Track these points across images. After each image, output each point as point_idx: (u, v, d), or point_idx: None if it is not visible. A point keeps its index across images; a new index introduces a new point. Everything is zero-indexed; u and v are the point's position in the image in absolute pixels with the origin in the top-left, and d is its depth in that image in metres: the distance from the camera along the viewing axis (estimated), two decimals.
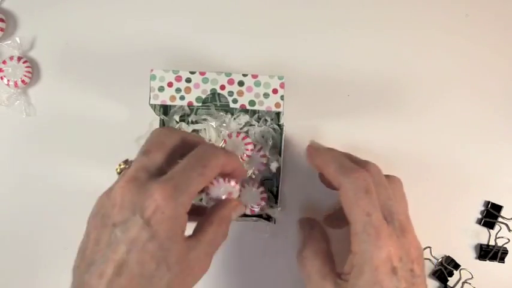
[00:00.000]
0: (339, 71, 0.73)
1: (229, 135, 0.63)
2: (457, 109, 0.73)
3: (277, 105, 0.59)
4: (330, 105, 0.72)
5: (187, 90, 0.58)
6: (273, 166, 0.66)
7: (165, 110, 0.66)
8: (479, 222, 0.72)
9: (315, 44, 0.73)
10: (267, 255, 0.70)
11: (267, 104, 0.59)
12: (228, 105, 0.59)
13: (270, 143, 0.65)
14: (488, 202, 0.72)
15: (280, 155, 0.65)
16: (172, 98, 0.58)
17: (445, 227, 0.72)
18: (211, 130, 0.65)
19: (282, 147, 0.65)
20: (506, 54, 0.74)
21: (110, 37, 0.73)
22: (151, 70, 0.59)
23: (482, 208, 0.72)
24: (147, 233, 0.45)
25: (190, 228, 0.50)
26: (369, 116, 0.72)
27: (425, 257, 0.70)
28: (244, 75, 0.59)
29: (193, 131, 0.65)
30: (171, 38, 0.73)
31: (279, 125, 0.65)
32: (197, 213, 0.54)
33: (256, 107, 0.58)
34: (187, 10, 0.73)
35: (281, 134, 0.65)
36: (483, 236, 0.72)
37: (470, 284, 0.70)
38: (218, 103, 0.59)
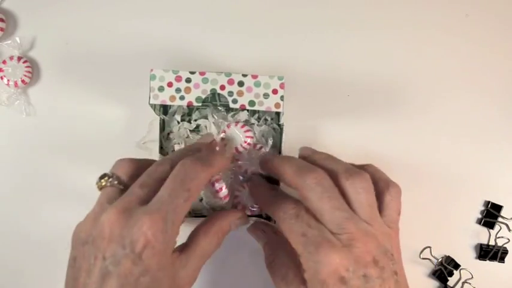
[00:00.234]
0: (339, 72, 0.73)
1: (228, 126, 0.63)
2: (457, 109, 0.73)
3: (277, 105, 0.59)
4: (330, 106, 0.72)
5: (187, 90, 0.58)
6: None
7: (165, 109, 0.66)
8: (479, 222, 0.72)
9: (315, 44, 0.74)
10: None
11: (267, 104, 0.59)
12: (227, 105, 0.59)
13: (270, 142, 0.65)
14: (488, 202, 0.72)
15: (280, 154, 0.65)
16: (172, 98, 0.58)
17: (445, 227, 0.72)
18: (212, 126, 0.65)
19: (282, 147, 0.65)
20: (506, 54, 0.75)
21: (110, 37, 0.73)
22: (151, 70, 0.59)
23: (482, 208, 0.72)
24: (139, 268, 0.45)
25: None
26: (368, 116, 0.72)
27: (425, 257, 0.70)
28: (244, 75, 0.59)
29: (196, 127, 0.66)
30: (171, 38, 0.73)
31: (279, 125, 0.65)
32: None
33: (256, 107, 0.59)
34: (187, 10, 0.73)
35: (281, 134, 0.65)
36: (483, 236, 0.72)
37: (470, 284, 0.70)
38: (218, 103, 0.60)
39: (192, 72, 0.59)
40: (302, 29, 0.74)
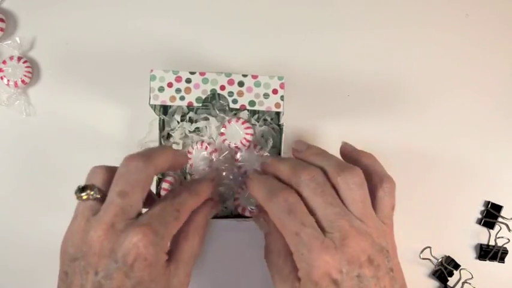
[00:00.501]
0: (339, 71, 0.73)
1: (229, 121, 0.64)
2: (457, 109, 0.73)
3: (277, 105, 0.59)
4: (330, 106, 0.72)
5: (187, 90, 0.58)
6: None
7: (165, 110, 0.66)
8: (479, 222, 0.72)
9: (315, 44, 0.74)
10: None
11: (267, 105, 0.59)
12: (228, 106, 0.59)
13: (270, 143, 0.65)
14: (488, 202, 0.72)
15: (279, 154, 0.65)
16: (172, 98, 0.58)
17: (445, 227, 0.72)
18: (212, 127, 0.65)
19: (282, 147, 0.65)
20: (506, 54, 0.75)
21: (110, 37, 0.73)
22: (151, 70, 0.59)
23: (482, 208, 0.72)
24: (132, 281, 0.46)
25: None
26: (368, 116, 0.73)
27: (425, 257, 0.70)
28: (244, 75, 0.59)
29: (196, 128, 0.66)
30: (171, 38, 0.73)
31: (278, 125, 0.66)
32: (149, 202, 0.55)
33: (256, 107, 0.59)
34: (187, 10, 0.74)
35: (281, 134, 0.65)
36: (483, 236, 0.72)
37: (470, 284, 0.70)
38: (218, 103, 0.60)
39: (192, 73, 0.59)
40: (302, 29, 0.74)
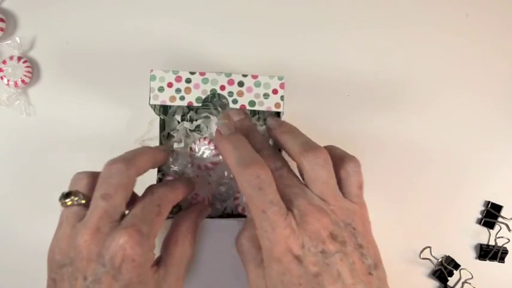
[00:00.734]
0: (339, 71, 0.73)
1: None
2: (457, 109, 0.74)
3: (277, 105, 0.59)
4: (330, 105, 0.73)
5: (187, 90, 0.58)
6: None
7: (165, 110, 0.66)
8: (479, 222, 0.73)
9: (315, 44, 0.74)
10: None
11: (267, 105, 0.59)
12: (228, 106, 0.59)
13: (271, 143, 0.65)
14: (488, 202, 0.73)
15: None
16: (172, 98, 0.59)
17: (445, 227, 0.72)
18: (212, 126, 0.66)
19: None
20: (506, 54, 0.75)
21: (110, 37, 0.73)
22: (151, 70, 0.59)
23: (482, 208, 0.73)
24: (120, 283, 0.47)
25: None
26: (368, 116, 0.73)
27: (425, 257, 0.70)
28: (244, 75, 0.59)
29: (196, 127, 0.66)
30: (171, 38, 0.73)
31: None
32: (132, 202, 0.55)
33: (256, 108, 0.59)
34: (187, 10, 0.74)
35: None
36: (483, 236, 0.73)
37: (470, 284, 0.70)
38: (218, 103, 0.60)
39: (192, 73, 0.59)
40: (302, 29, 0.74)
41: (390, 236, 0.71)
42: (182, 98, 0.59)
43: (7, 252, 0.70)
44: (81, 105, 0.72)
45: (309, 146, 0.54)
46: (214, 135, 0.65)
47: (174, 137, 0.66)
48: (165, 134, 0.66)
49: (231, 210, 0.67)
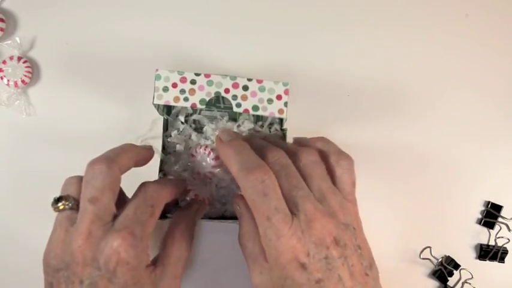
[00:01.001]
0: (339, 72, 0.74)
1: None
2: (457, 109, 0.74)
3: (281, 111, 0.59)
4: (333, 108, 0.73)
5: (192, 92, 0.59)
6: None
7: (169, 110, 0.67)
8: (479, 222, 0.73)
9: (319, 48, 0.75)
10: None
11: (271, 110, 0.59)
12: (231, 109, 0.60)
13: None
14: (488, 202, 0.73)
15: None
16: (176, 99, 0.59)
17: (445, 227, 0.73)
18: (213, 128, 0.66)
19: None
20: (506, 54, 0.76)
21: (110, 37, 0.73)
22: (157, 70, 0.59)
23: (482, 208, 0.73)
24: (116, 286, 0.48)
25: None
26: (368, 117, 0.74)
27: (425, 257, 0.71)
28: (249, 79, 0.59)
29: (199, 129, 0.67)
30: (172, 38, 0.73)
31: (282, 130, 0.67)
32: (122, 201, 0.55)
33: (259, 112, 0.59)
34: (192, 12, 0.74)
35: (284, 139, 0.65)
36: (483, 236, 0.73)
37: (470, 284, 0.71)
38: (222, 106, 0.61)
39: (198, 74, 0.59)
40: (303, 31, 0.75)
41: (390, 236, 0.72)
42: (186, 99, 0.59)
43: (7, 252, 0.71)
44: (81, 105, 0.72)
45: (298, 148, 0.56)
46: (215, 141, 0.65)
47: (176, 136, 0.67)
48: (168, 134, 0.67)
49: (231, 213, 0.67)
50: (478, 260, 0.73)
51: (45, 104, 0.73)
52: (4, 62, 0.71)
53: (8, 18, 0.72)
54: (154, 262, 0.54)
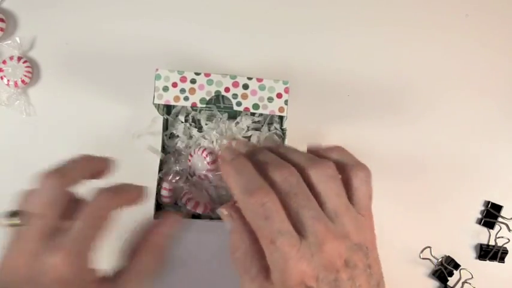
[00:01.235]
0: (339, 71, 0.74)
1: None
2: (457, 109, 0.75)
3: (281, 109, 0.60)
4: (333, 109, 0.74)
5: (192, 91, 0.59)
6: None
7: (168, 110, 0.67)
8: (479, 222, 0.74)
9: (319, 47, 0.75)
10: None
11: (271, 108, 0.60)
12: (231, 108, 0.60)
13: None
14: (488, 202, 0.74)
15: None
16: (177, 98, 0.59)
17: (445, 227, 0.73)
18: (213, 132, 0.67)
19: None
20: (506, 54, 0.76)
21: (110, 37, 0.74)
22: (157, 69, 0.60)
23: (482, 208, 0.74)
24: None
25: None
26: (368, 118, 0.74)
27: (425, 257, 0.72)
28: (249, 78, 0.60)
29: (199, 128, 0.68)
30: (172, 38, 0.74)
31: (282, 129, 0.67)
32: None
33: (260, 111, 0.60)
34: (189, 11, 0.75)
35: (283, 138, 0.66)
36: (483, 236, 0.74)
37: (470, 284, 0.71)
38: (222, 105, 0.61)
39: (197, 74, 0.60)
40: (305, 31, 0.75)
41: (390, 236, 0.72)
42: (186, 99, 0.59)
43: None
44: (81, 105, 0.73)
45: (315, 159, 0.53)
46: (214, 143, 0.66)
47: (178, 136, 0.67)
48: (168, 133, 0.68)
49: None
50: (478, 260, 0.73)
51: (45, 104, 0.73)
52: (4, 62, 0.71)
53: (8, 18, 0.73)
54: (115, 273, 0.52)
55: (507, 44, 0.77)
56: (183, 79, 0.60)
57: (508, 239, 0.73)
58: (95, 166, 0.55)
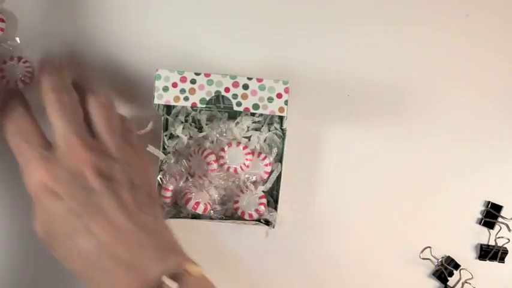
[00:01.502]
0: (341, 75, 0.74)
1: (229, 145, 0.66)
2: (457, 109, 0.75)
3: (281, 109, 0.61)
4: (333, 109, 0.74)
5: (192, 91, 0.60)
6: (275, 174, 0.68)
7: (168, 110, 0.68)
8: (479, 222, 0.74)
9: (319, 47, 0.75)
10: (264, 258, 0.73)
11: (271, 108, 0.60)
12: (231, 108, 0.61)
13: (275, 151, 0.67)
14: (488, 202, 0.74)
15: (281, 159, 0.67)
16: (177, 98, 0.60)
17: (445, 227, 0.74)
18: (214, 132, 0.67)
19: (284, 152, 0.67)
20: (506, 54, 0.76)
21: (110, 37, 0.74)
22: (157, 70, 0.60)
23: (482, 208, 0.74)
24: None
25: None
26: (370, 118, 0.74)
27: (425, 257, 0.72)
28: (249, 78, 0.61)
29: (199, 128, 0.69)
30: (172, 38, 0.74)
31: (282, 129, 0.68)
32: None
33: (260, 111, 0.60)
34: (192, 10, 0.74)
35: (283, 138, 0.67)
36: (483, 236, 0.74)
37: (470, 284, 0.72)
38: (222, 105, 0.62)
39: (197, 74, 0.60)
40: (305, 31, 0.75)
41: (390, 236, 0.73)
42: (186, 99, 0.60)
43: (7, 251, 0.71)
44: None
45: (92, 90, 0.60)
46: (214, 143, 0.67)
47: (178, 136, 0.68)
48: (168, 133, 0.68)
49: (231, 213, 0.69)
50: (478, 260, 0.74)
51: None
52: (4, 62, 0.71)
53: (8, 18, 0.72)
54: None
55: (507, 44, 0.77)
56: (183, 79, 0.60)
57: (508, 239, 0.73)
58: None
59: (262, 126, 0.68)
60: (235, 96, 0.60)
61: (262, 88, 0.61)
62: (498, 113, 0.76)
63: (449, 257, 0.73)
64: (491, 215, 0.74)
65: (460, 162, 0.75)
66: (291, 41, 0.74)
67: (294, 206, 0.72)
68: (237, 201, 0.66)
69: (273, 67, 0.74)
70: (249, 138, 0.68)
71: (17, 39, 0.72)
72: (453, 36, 0.76)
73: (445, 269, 0.72)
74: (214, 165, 0.66)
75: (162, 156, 0.66)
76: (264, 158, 0.67)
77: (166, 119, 0.68)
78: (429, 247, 0.73)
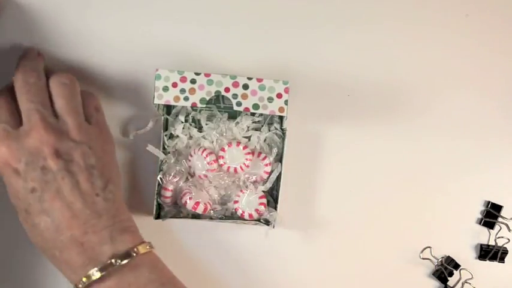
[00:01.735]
0: (341, 75, 0.75)
1: (229, 145, 0.66)
2: (457, 109, 0.75)
3: (281, 109, 0.61)
4: (333, 109, 0.74)
5: (192, 91, 0.60)
6: (275, 174, 0.69)
7: (168, 110, 0.68)
8: (479, 222, 0.74)
9: (319, 47, 0.75)
10: (264, 258, 0.73)
11: (271, 108, 0.61)
12: (231, 108, 0.61)
13: (275, 151, 0.67)
14: (488, 202, 0.74)
15: (281, 159, 0.68)
16: (177, 98, 0.60)
17: (445, 227, 0.74)
18: (214, 132, 0.68)
19: (284, 152, 0.67)
20: (506, 54, 0.76)
21: (110, 37, 0.74)
22: (157, 70, 0.61)
23: (482, 208, 0.74)
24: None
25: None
26: (370, 118, 0.75)
27: (425, 257, 0.72)
28: (249, 78, 0.61)
29: (199, 128, 0.69)
30: (172, 38, 0.74)
31: (282, 129, 0.68)
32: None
33: (260, 111, 0.61)
34: (192, 10, 0.74)
35: (283, 138, 0.67)
36: (483, 236, 0.74)
37: (470, 284, 0.72)
38: (222, 105, 0.62)
39: (197, 74, 0.60)
40: (305, 31, 0.75)
41: (390, 236, 0.73)
42: (186, 99, 0.60)
43: (8, 251, 0.72)
44: None
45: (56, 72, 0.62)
46: (214, 143, 0.67)
47: (177, 136, 0.68)
48: (168, 133, 0.68)
49: (231, 213, 0.69)
50: (478, 260, 0.74)
51: None
52: None
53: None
54: None
55: (507, 44, 0.77)
56: (183, 79, 0.61)
57: (508, 239, 0.74)
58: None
59: (262, 126, 0.68)
60: (235, 96, 0.61)
61: (262, 88, 0.61)
62: (498, 112, 0.76)
63: (449, 257, 0.74)
64: (491, 215, 0.74)
65: (460, 162, 0.75)
66: (291, 41, 0.74)
67: (294, 206, 0.72)
68: (237, 201, 0.67)
69: (273, 67, 0.74)
70: (249, 138, 0.68)
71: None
72: (453, 36, 0.76)
73: (445, 269, 0.72)
74: (214, 165, 0.66)
75: (162, 156, 0.67)
76: (264, 158, 0.67)
77: (166, 119, 0.68)
78: (429, 247, 0.73)
